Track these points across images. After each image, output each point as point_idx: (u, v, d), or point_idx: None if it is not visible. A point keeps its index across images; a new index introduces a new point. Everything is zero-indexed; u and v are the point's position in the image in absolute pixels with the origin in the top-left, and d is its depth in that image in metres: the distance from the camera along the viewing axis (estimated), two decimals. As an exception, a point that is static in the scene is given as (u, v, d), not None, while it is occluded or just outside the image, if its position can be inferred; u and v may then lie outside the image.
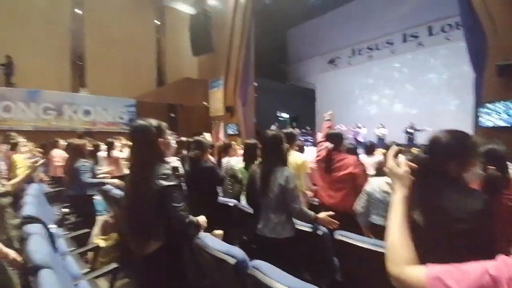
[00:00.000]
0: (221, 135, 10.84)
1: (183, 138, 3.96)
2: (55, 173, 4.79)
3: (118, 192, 3.08)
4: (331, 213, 1.94)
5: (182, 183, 1.76)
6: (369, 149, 4.68)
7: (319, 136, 3.02)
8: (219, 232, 1.98)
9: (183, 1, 14.17)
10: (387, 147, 3.32)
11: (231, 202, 2.67)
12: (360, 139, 11.57)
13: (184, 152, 3.32)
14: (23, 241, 1.71)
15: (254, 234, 1.96)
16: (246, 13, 10.76)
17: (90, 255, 2.76)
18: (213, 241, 1.57)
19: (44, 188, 3.62)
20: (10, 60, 9.38)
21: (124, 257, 2.48)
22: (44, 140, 5.95)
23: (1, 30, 9.64)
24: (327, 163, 2.65)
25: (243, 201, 2.75)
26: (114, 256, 2.72)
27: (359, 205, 2.28)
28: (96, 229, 3.09)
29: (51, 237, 1.87)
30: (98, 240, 2.87)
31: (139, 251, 1.54)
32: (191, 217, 1.53)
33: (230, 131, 11.33)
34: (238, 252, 1.41)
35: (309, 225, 2.01)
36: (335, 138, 2.72)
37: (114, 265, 2.15)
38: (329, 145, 2.68)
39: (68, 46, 11.40)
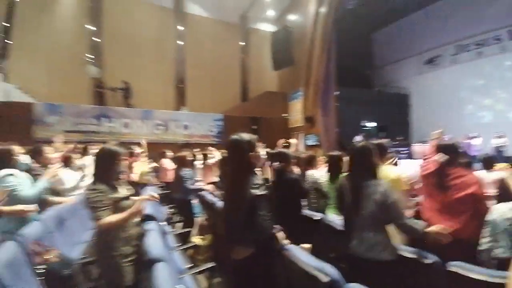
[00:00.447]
0: (301, 147, 10.79)
1: (266, 150, 4.12)
2: (164, 178, 5.68)
3: (211, 198, 3.42)
4: (443, 227, 1.65)
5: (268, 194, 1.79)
6: (487, 163, 3.83)
7: (423, 148, 2.64)
8: (307, 246, 1.94)
9: (265, 21, 15.07)
10: (508, 161, 2.66)
11: (317, 215, 2.59)
12: (473, 152, 9.55)
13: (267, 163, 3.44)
14: (141, 237, 2.04)
15: (345, 253, 1.83)
16: (327, 22, 10.62)
17: (189, 252, 3.10)
18: (303, 255, 1.55)
19: (156, 191, 4.33)
20: (128, 85, 11.73)
21: (217, 257, 2.70)
22: (155, 151, 7.13)
23: (121, 60, 12.18)
24: (439, 179, 2.25)
25: (329, 215, 2.64)
26: (209, 255, 3.00)
27: (483, 238, 1.88)
28: (194, 230, 3.48)
29: (163, 234, 2.20)
30: (196, 239, 3.22)
31: (231, 255, 1.63)
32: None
33: (310, 142, 11.18)
34: (332, 270, 1.35)
35: (414, 251, 1.76)
36: (451, 149, 2.27)
37: (211, 264, 2.34)
38: (440, 157, 2.28)
39: (172, 72, 13.53)
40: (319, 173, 3.15)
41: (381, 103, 14.48)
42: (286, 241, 1.63)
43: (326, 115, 11.11)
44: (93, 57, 11.73)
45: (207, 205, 3.51)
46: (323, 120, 11.05)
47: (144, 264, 1.60)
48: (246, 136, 1.64)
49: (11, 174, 2.06)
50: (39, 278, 1.65)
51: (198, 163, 5.10)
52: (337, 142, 10.80)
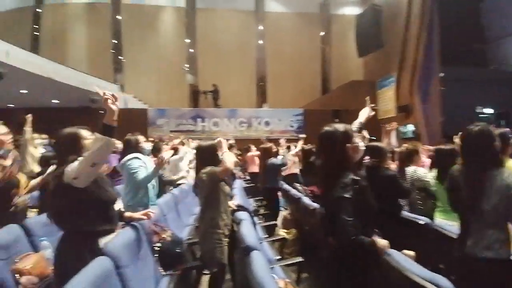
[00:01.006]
0: (393, 140, 9.62)
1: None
2: (251, 169, 6.06)
3: (296, 193, 3.41)
4: None
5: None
6: None
7: None
8: (411, 253, 1.70)
9: (348, 4, 14.03)
10: None
11: (422, 220, 2.26)
12: None
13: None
14: (234, 224, 2.21)
15: (458, 257, 1.52)
16: (425, -6, 9.07)
17: (276, 244, 3.18)
18: (408, 263, 1.36)
19: (242, 184, 4.64)
20: (216, 87, 12.85)
21: (305, 251, 2.69)
22: (240, 146, 7.66)
23: (211, 65, 13.43)
24: None
25: (438, 219, 2.25)
26: (295, 249, 3.02)
27: None
28: (279, 222, 3.55)
29: (253, 224, 2.32)
30: (282, 232, 3.26)
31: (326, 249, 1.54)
32: (362, 237, 1.35)
33: (405, 135, 9.83)
34: (446, 283, 1.14)
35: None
36: None
37: (299, 259, 2.34)
38: None
39: (254, 72, 14.19)
40: (423, 170, 2.72)
41: (499, 85, 11.54)
42: (386, 245, 1.43)
43: (426, 102, 9.53)
44: (189, 66, 13.38)
45: (291, 200, 3.53)
46: (423, 108, 9.50)
47: (240, 250, 1.70)
48: (340, 126, 1.51)
49: (136, 157, 2.50)
50: (155, 255, 1.96)
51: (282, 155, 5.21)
52: (442, 134, 9.14)
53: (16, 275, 1.63)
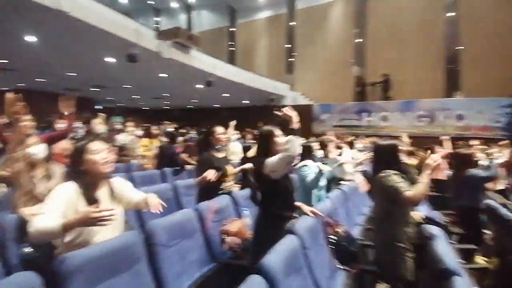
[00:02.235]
0: None
1: None
2: (436, 176, 4.92)
3: (505, 213, 2.46)
4: None
5: None
6: None
7: None
8: None
9: None
10: None
11: None
12: None
13: None
14: (421, 238, 1.85)
15: None
16: None
17: (472, 273, 2.46)
18: None
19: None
20: (387, 77, 11.45)
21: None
22: (416, 145, 6.44)
23: (381, 53, 12.06)
24: None
25: None
26: (495, 283, 2.24)
27: None
28: (479, 247, 2.72)
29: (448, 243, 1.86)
30: (480, 259, 2.54)
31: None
32: None
33: None
34: None
35: None
36: None
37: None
38: None
39: (441, 54, 11.41)
40: None
41: None
42: None
43: None
44: (356, 57, 12.78)
45: (498, 221, 2.57)
46: None
47: (435, 272, 1.41)
48: None
49: (305, 165, 2.65)
50: (330, 246, 1.99)
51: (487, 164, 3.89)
52: None
53: (223, 235, 2.10)
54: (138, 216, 2.31)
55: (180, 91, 11.83)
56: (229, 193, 2.55)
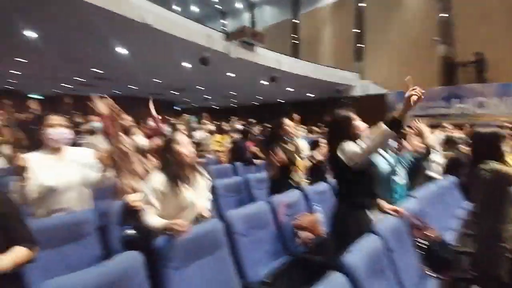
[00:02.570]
0: None
1: None
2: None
3: None
4: None
5: None
6: None
7: None
8: None
9: None
10: None
11: None
12: None
13: None
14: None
15: None
16: None
17: None
18: None
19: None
20: (481, 56, 9.53)
21: None
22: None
23: (471, 30, 10.07)
24: None
25: None
26: None
27: None
28: None
29: None
30: None
31: None
32: None
33: None
34: None
35: None
36: None
37: None
38: None
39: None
40: None
41: None
42: None
43: None
44: (441, 36, 11.01)
45: None
46: None
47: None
48: None
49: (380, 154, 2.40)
50: (419, 251, 1.77)
51: None
52: None
53: (296, 229, 2.09)
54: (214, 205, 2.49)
55: (246, 88, 12.24)
56: (299, 188, 2.53)
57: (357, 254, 1.25)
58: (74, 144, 2.24)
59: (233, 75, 9.36)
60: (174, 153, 1.53)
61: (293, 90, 12.03)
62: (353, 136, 1.62)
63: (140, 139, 2.27)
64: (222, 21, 20.95)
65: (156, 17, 5.30)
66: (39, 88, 12.26)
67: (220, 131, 5.21)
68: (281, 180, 2.55)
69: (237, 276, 1.56)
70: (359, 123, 1.69)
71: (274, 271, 1.74)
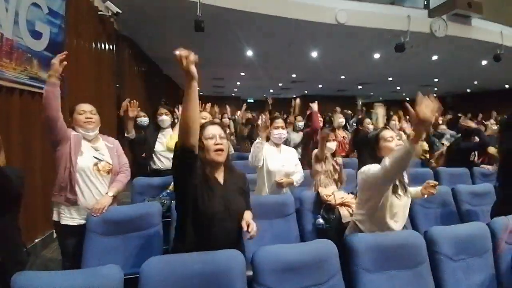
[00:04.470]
0: None
1: None
2: None
3: None
4: None
5: None
6: None
7: None
8: None
9: None
10: None
11: None
12: None
13: None
14: None
15: None
16: None
17: None
18: None
19: None
20: None
21: None
22: None
23: None
24: None
25: None
26: None
27: None
28: None
29: None
30: None
31: None
32: None
33: None
34: None
35: None
36: None
37: None
38: None
39: None
40: None
41: None
42: None
43: None
44: None
45: None
46: None
47: None
48: None
49: None
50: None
51: None
52: None
53: None
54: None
55: (456, 72, 9.71)
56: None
57: None
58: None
59: (436, 57, 7.69)
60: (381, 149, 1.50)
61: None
62: None
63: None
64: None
65: (349, 14, 5.26)
66: (251, 93, 16.29)
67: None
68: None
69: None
70: None
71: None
